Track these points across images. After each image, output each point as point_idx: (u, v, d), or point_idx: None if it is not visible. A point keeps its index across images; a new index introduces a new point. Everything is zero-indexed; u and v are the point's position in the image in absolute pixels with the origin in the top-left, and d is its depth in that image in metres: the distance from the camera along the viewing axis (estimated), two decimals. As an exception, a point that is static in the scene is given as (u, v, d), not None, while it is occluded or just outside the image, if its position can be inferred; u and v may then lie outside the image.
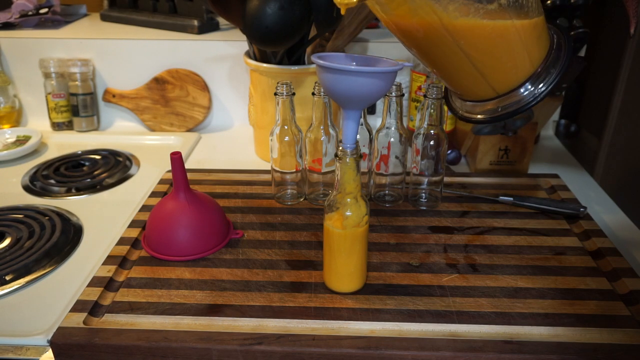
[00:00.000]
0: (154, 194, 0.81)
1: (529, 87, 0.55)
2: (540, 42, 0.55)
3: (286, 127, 0.74)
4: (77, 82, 1.08)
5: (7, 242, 0.71)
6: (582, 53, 1.00)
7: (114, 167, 0.94)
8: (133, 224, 0.73)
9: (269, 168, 0.80)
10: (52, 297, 0.62)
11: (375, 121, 1.09)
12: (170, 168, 0.73)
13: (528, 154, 0.88)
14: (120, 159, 0.97)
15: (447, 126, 0.97)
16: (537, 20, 0.53)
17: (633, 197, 0.79)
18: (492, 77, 0.55)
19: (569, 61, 0.55)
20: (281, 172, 0.78)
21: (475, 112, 0.59)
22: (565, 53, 0.56)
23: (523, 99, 0.55)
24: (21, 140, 1.01)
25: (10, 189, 0.88)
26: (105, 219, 0.78)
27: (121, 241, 0.69)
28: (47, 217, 0.76)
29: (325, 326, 0.55)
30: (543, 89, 0.55)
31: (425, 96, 0.71)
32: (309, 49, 0.90)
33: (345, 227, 0.56)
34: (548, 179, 0.85)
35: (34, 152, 1.01)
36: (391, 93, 0.71)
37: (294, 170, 0.78)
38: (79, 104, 1.08)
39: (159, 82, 1.10)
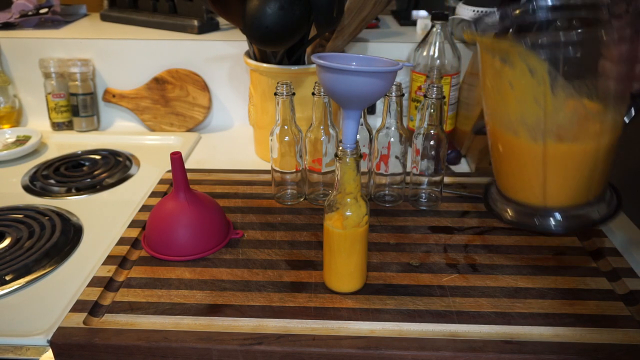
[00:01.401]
0: (154, 194, 0.81)
1: (561, 216, 0.57)
2: (604, 175, 0.57)
3: (286, 127, 0.74)
4: (77, 82, 1.08)
5: (7, 242, 0.71)
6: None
7: (114, 167, 0.94)
8: (133, 224, 0.73)
9: (269, 168, 0.80)
10: (52, 297, 0.62)
11: (375, 121, 1.09)
12: (170, 168, 0.73)
13: (528, 154, 0.88)
14: (120, 159, 0.97)
15: (447, 126, 0.97)
16: (614, 143, 0.55)
17: (633, 197, 0.79)
18: (551, 187, 0.56)
19: (612, 216, 0.58)
20: (281, 172, 0.78)
21: (510, 212, 0.60)
22: (613, 207, 0.59)
23: (553, 223, 0.58)
24: (21, 140, 1.01)
25: (10, 189, 0.88)
26: (105, 219, 0.78)
27: (121, 241, 0.69)
28: (47, 217, 0.76)
29: (325, 326, 0.55)
30: (570, 224, 0.57)
31: (425, 96, 0.71)
32: (309, 49, 0.90)
33: (345, 227, 0.56)
34: (548, 179, 0.85)
35: (34, 152, 1.01)
36: (391, 93, 0.71)
37: (294, 170, 0.78)
38: (79, 104, 1.08)
39: (159, 82, 1.10)
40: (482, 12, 0.97)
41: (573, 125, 0.52)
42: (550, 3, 0.53)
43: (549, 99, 0.51)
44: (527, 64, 0.50)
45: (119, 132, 1.12)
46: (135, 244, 0.69)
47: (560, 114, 0.51)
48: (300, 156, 0.76)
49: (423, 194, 0.78)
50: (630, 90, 0.54)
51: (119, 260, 0.65)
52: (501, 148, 0.58)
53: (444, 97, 0.70)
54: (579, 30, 0.48)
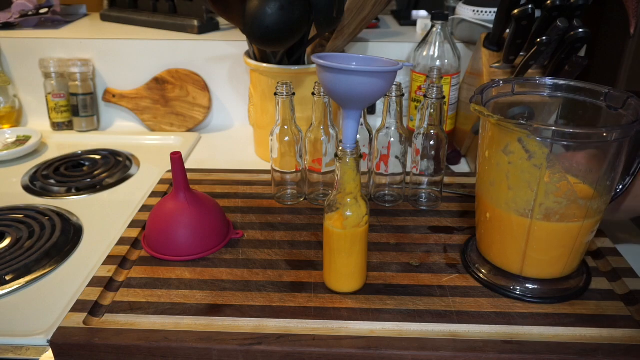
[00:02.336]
0: (154, 194, 0.81)
1: (535, 286, 0.59)
2: (583, 252, 0.59)
3: (286, 127, 0.74)
4: (77, 82, 1.08)
5: (7, 242, 0.71)
6: (582, 53, 1.00)
7: (114, 167, 0.94)
8: (133, 224, 0.73)
9: (269, 168, 0.80)
10: (52, 297, 0.62)
11: (375, 121, 1.09)
12: (170, 168, 0.73)
13: (528, 155, 0.88)
14: (120, 159, 0.97)
15: (447, 126, 0.97)
16: (597, 224, 0.57)
17: (633, 197, 0.79)
18: (530, 260, 0.58)
19: (584, 289, 0.60)
20: (281, 172, 0.78)
21: (488, 273, 0.62)
22: (585, 280, 0.61)
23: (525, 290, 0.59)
24: (21, 140, 1.01)
25: (10, 189, 0.88)
26: (105, 219, 0.78)
27: (121, 241, 0.69)
28: (47, 217, 0.76)
29: (325, 326, 0.55)
30: (544, 295, 0.59)
31: (425, 96, 0.71)
32: (309, 49, 0.90)
33: (345, 227, 0.56)
34: (548, 179, 0.85)
35: (34, 152, 1.01)
36: (391, 93, 0.71)
37: (294, 170, 0.78)
38: (79, 104, 1.08)
39: (159, 82, 1.10)
40: (482, 11, 0.97)
41: (562, 209, 0.53)
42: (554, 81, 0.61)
43: (542, 184, 0.52)
44: (526, 148, 0.52)
45: (119, 132, 1.12)
46: (135, 244, 0.69)
47: (550, 197, 0.53)
48: (300, 156, 0.76)
49: (423, 194, 0.78)
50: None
51: (119, 260, 0.65)
52: (488, 215, 0.59)
53: (444, 97, 0.70)
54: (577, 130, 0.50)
